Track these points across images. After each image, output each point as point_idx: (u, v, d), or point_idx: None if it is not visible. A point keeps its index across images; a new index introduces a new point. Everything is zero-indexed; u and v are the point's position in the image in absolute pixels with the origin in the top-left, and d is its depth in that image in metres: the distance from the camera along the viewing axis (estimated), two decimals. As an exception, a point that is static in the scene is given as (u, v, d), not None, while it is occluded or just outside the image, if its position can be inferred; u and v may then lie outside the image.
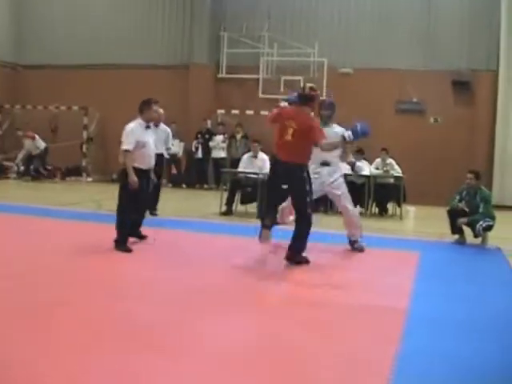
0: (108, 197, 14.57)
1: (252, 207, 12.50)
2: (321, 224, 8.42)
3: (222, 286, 6.20)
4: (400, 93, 17.91)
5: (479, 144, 17.40)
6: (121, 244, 7.80)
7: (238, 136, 18.01)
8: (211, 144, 18.48)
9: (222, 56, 19.33)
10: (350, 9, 18.61)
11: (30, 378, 3.63)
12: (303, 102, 7.55)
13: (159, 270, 6.83)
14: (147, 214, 9.04)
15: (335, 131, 8.22)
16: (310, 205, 7.47)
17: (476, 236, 9.63)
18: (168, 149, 11.18)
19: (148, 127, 8.11)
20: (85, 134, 19.88)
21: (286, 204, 8.45)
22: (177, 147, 18.50)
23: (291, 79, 18.01)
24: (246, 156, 12.83)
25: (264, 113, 15.60)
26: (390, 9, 18.23)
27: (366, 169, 13.58)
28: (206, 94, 19.29)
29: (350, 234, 8.83)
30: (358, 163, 13.33)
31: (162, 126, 10.96)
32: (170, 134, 11.23)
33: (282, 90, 17.94)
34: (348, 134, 7.48)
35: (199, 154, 18.81)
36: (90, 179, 19.76)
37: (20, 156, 19.42)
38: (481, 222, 9.47)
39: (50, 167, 19.52)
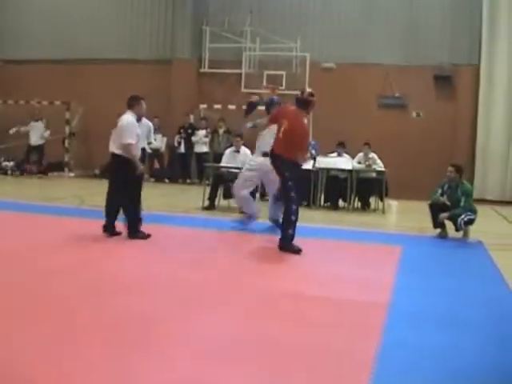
0: (91, 192, 14.56)
1: (235, 202, 12.48)
2: (302, 218, 8.42)
3: (206, 280, 6.19)
4: (382, 87, 17.97)
5: (461, 138, 17.53)
6: (136, 231, 8.25)
7: (221, 131, 18.01)
8: (194, 139, 18.47)
9: (205, 51, 19.31)
10: (333, 4, 18.64)
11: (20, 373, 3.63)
12: (300, 105, 8.12)
13: (144, 265, 6.82)
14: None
15: None
16: (294, 190, 7.99)
17: (458, 230, 9.67)
18: (149, 143, 11.17)
19: (138, 120, 8.63)
20: (67, 129, 19.76)
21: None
22: (159, 142, 18.48)
23: (274, 74, 18.04)
24: (228, 151, 12.81)
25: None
26: (372, 4, 18.30)
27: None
28: (188, 88, 19.26)
29: (276, 216, 9.42)
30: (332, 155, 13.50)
31: (144, 120, 10.91)
32: (152, 128, 11.21)
33: (264, 84, 17.97)
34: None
35: (182, 149, 18.79)
36: (72, 174, 19.66)
37: (18, 129, 18.88)
38: (462, 216, 9.52)
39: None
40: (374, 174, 13.83)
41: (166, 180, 18.65)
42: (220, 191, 12.51)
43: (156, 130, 18.39)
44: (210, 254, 7.75)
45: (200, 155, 18.30)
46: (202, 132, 18.44)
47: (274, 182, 9.05)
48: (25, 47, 20.76)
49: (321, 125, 15.79)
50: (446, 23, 17.75)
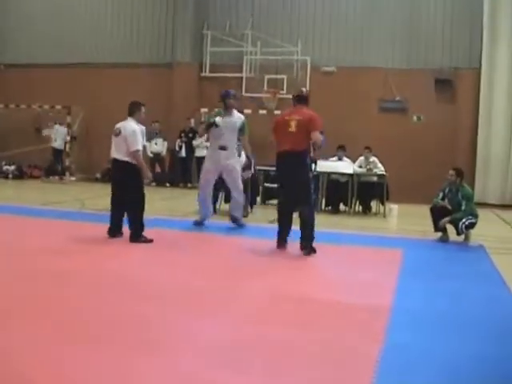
0: (92, 196, 14.57)
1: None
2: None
3: (208, 284, 6.20)
4: (383, 91, 17.98)
5: (462, 142, 17.52)
6: (139, 236, 8.31)
7: (222, 135, 17.96)
8: (195, 143, 18.44)
9: (206, 55, 19.34)
10: (333, 7, 18.65)
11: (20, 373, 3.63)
12: (302, 102, 8.37)
13: (145, 268, 6.84)
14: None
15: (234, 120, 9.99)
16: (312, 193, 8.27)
17: (459, 234, 9.67)
18: (143, 147, 11.23)
19: None
20: (68, 133, 19.76)
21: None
22: (160, 146, 18.52)
23: (274, 78, 18.06)
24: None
25: (247, 111, 15.58)
26: (372, 8, 18.30)
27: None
28: (189, 92, 19.26)
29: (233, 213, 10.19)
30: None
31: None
32: (144, 132, 11.23)
33: (265, 88, 17.98)
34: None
35: (183, 153, 18.78)
36: (73, 178, 19.67)
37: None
38: (463, 220, 9.52)
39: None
40: (374, 178, 13.82)
41: (167, 184, 18.65)
42: (221, 195, 12.49)
43: (157, 134, 18.51)
44: (212, 257, 7.76)
45: (201, 159, 18.23)
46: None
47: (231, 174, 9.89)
48: (25, 51, 20.77)
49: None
50: (447, 27, 17.76)
